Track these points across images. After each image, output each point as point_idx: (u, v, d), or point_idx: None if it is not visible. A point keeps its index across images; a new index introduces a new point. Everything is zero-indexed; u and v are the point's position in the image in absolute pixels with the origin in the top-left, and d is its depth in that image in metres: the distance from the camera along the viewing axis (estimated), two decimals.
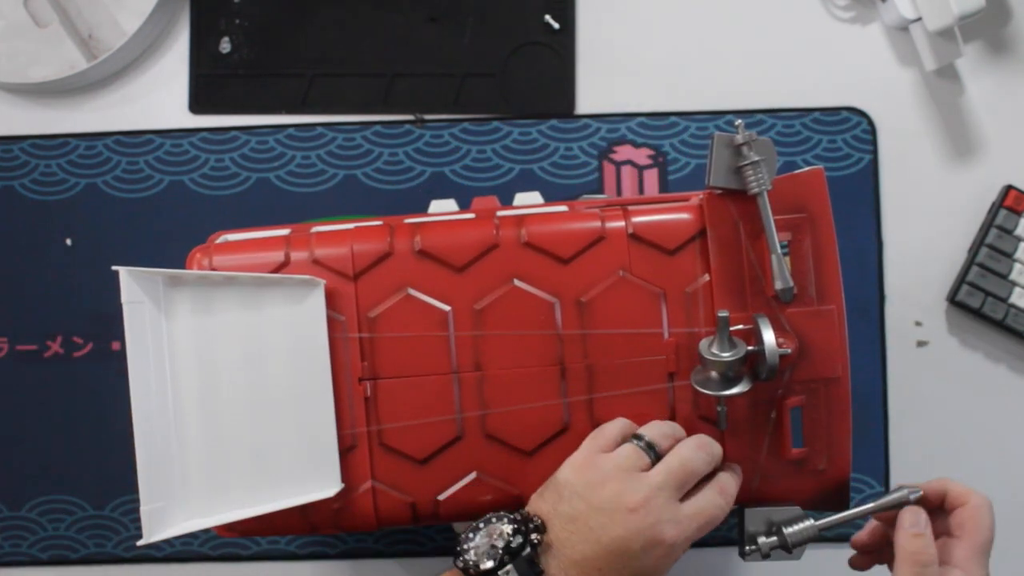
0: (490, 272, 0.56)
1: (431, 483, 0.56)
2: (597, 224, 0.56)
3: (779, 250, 0.53)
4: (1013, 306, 0.71)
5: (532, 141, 0.74)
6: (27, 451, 0.73)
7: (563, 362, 0.55)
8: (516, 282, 0.56)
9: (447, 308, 0.56)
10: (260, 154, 0.74)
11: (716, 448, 0.53)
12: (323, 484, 0.54)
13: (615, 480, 0.49)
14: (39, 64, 0.74)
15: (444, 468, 0.55)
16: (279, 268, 0.56)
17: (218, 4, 0.75)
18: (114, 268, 0.52)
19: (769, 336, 0.51)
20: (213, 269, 0.56)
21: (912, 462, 0.72)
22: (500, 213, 0.58)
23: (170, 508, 0.53)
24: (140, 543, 0.51)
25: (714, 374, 0.53)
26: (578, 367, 0.55)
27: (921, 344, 0.73)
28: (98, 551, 0.72)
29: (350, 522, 0.56)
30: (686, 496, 0.51)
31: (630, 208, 0.57)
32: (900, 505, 0.54)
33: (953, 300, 0.71)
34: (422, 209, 0.64)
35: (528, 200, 0.63)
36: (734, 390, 0.52)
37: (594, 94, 0.75)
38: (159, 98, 0.76)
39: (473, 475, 0.55)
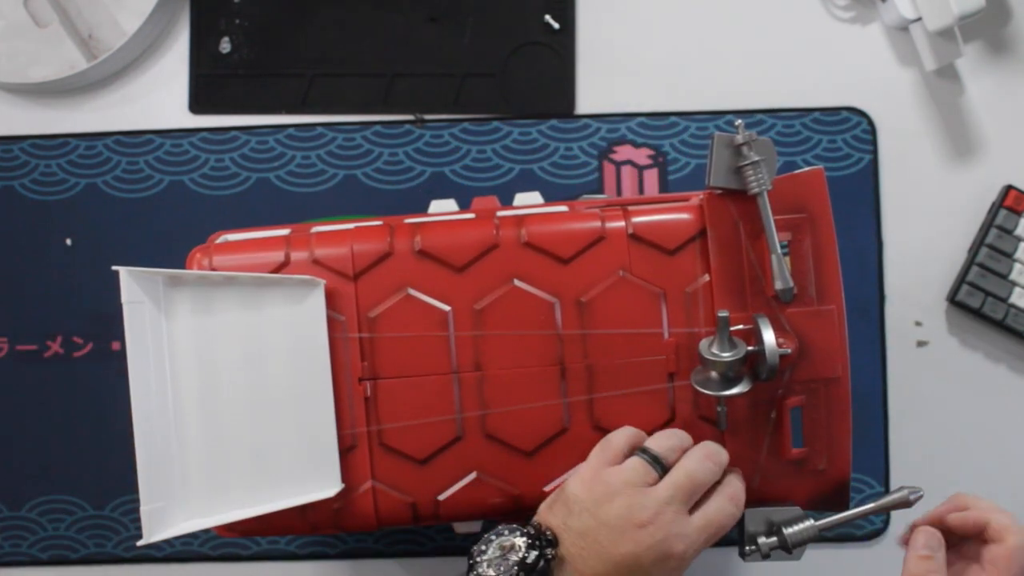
0: (490, 272, 0.56)
1: (431, 483, 0.56)
2: (597, 224, 0.56)
3: (779, 250, 0.53)
4: (1013, 306, 0.71)
5: (532, 141, 0.74)
6: (27, 451, 0.73)
7: (563, 362, 0.55)
8: (516, 282, 0.56)
9: (447, 308, 0.56)
10: (260, 154, 0.74)
11: (723, 456, 0.53)
12: (323, 484, 0.54)
13: (623, 496, 0.49)
14: (39, 64, 0.74)
15: (444, 468, 0.55)
16: (279, 268, 0.56)
17: (218, 4, 0.75)
18: (114, 268, 0.52)
19: (769, 336, 0.51)
20: (213, 269, 0.56)
21: (912, 462, 0.72)
22: (500, 213, 0.58)
23: (170, 508, 0.53)
24: (140, 543, 0.51)
25: (714, 374, 0.53)
26: (578, 367, 0.55)
27: (921, 344, 0.73)
28: (98, 551, 0.72)
29: (350, 522, 0.56)
30: (695, 505, 0.51)
31: (630, 208, 0.57)
32: (900, 505, 0.54)
33: (953, 300, 0.71)
34: (422, 209, 0.64)
35: (528, 200, 0.63)
36: (734, 390, 0.52)
37: (594, 94, 0.75)
38: (159, 98, 0.76)
39: (473, 475, 0.55)
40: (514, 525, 0.51)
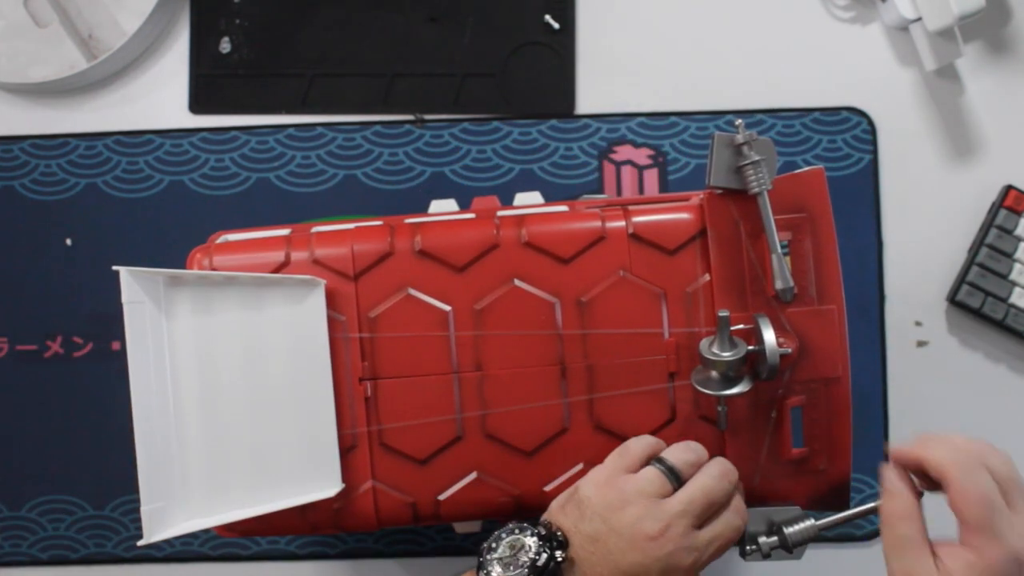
0: (490, 272, 0.56)
1: (431, 483, 0.56)
2: (597, 224, 0.56)
3: (779, 250, 0.53)
4: (1013, 306, 0.71)
5: (532, 141, 0.74)
6: (27, 451, 0.73)
7: (563, 362, 0.55)
8: (516, 282, 0.56)
9: (447, 308, 0.56)
10: (260, 154, 0.74)
11: (735, 475, 0.53)
12: (323, 484, 0.54)
13: (636, 505, 0.49)
14: (39, 64, 0.74)
15: (444, 468, 0.55)
16: (279, 268, 0.56)
17: (218, 4, 0.75)
18: (114, 268, 0.52)
19: (769, 336, 0.51)
20: (213, 269, 0.56)
21: None
22: (500, 213, 0.58)
23: (170, 508, 0.53)
24: (140, 543, 0.51)
25: (714, 374, 0.53)
26: (578, 367, 0.55)
27: (921, 344, 0.73)
28: (98, 551, 0.72)
29: (350, 522, 0.56)
30: (704, 520, 0.51)
31: (630, 208, 0.57)
32: None
33: (953, 300, 0.71)
34: (422, 209, 0.64)
35: (528, 200, 0.63)
36: (734, 390, 0.52)
37: (594, 94, 0.75)
38: (159, 98, 0.76)
39: (473, 475, 0.55)
40: (525, 524, 0.51)
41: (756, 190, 0.53)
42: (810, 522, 0.54)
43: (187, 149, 0.74)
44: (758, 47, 0.75)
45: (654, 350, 0.55)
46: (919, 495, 0.48)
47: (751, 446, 0.55)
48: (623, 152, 0.74)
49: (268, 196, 0.74)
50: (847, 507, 0.56)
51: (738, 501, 0.53)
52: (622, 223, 0.56)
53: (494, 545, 0.50)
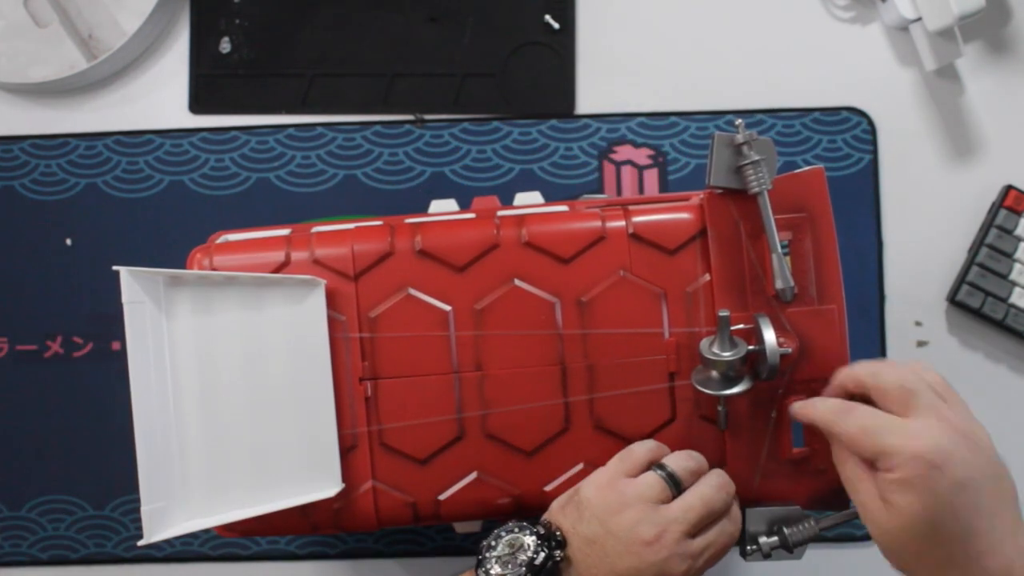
0: (490, 272, 0.56)
1: (432, 483, 0.56)
2: (597, 224, 0.56)
3: (779, 249, 0.53)
4: (1013, 306, 0.71)
5: (532, 141, 0.74)
6: (27, 451, 0.73)
7: (564, 362, 0.55)
8: (516, 282, 0.56)
9: (448, 308, 0.56)
10: (260, 154, 0.74)
11: (733, 488, 0.53)
12: (323, 484, 0.54)
13: (634, 510, 0.50)
14: (39, 64, 0.74)
15: (445, 468, 0.55)
16: (279, 268, 0.56)
17: (218, 4, 0.75)
18: (114, 268, 0.52)
19: (770, 336, 0.51)
20: (213, 269, 0.56)
21: None
22: (500, 213, 0.58)
23: (170, 508, 0.53)
24: (140, 543, 0.51)
25: (715, 374, 0.53)
26: (579, 367, 0.55)
27: (921, 344, 0.73)
28: (98, 551, 0.72)
29: (350, 522, 0.56)
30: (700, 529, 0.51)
31: (630, 208, 0.57)
32: None
33: (953, 300, 0.71)
34: (422, 209, 0.64)
35: (528, 200, 0.63)
36: (735, 390, 0.52)
37: (594, 94, 0.75)
38: (159, 98, 0.76)
39: (474, 475, 0.55)
40: (524, 523, 0.51)
41: (756, 190, 0.53)
42: (810, 522, 0.54)
43: (187, 149, 0.74)
44: (758, 47, 0.75)
45: (654, 350, 0.55)
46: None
47: (751, 446, 0.55)
48: (623, 152, 0.74)
49: (268, 196, 0.74)
50: (847, 507, 0.56)
51: (735, 511, 0.53)
52: (622, 223, 0.56)
53: (493, 543, 0.50)
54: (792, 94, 0.74)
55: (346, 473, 0.55)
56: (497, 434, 0.55)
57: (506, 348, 0.55)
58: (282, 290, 0.55)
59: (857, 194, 0.73)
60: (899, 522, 0.45)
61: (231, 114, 0.75)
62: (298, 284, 0.54)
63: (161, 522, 0.53)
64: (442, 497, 0.55)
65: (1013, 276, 0.71)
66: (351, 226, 0.58)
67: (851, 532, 0.72)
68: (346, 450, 0.55)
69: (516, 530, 0.50)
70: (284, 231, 0.58)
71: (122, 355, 0.53)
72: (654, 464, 0.53)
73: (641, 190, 0.74)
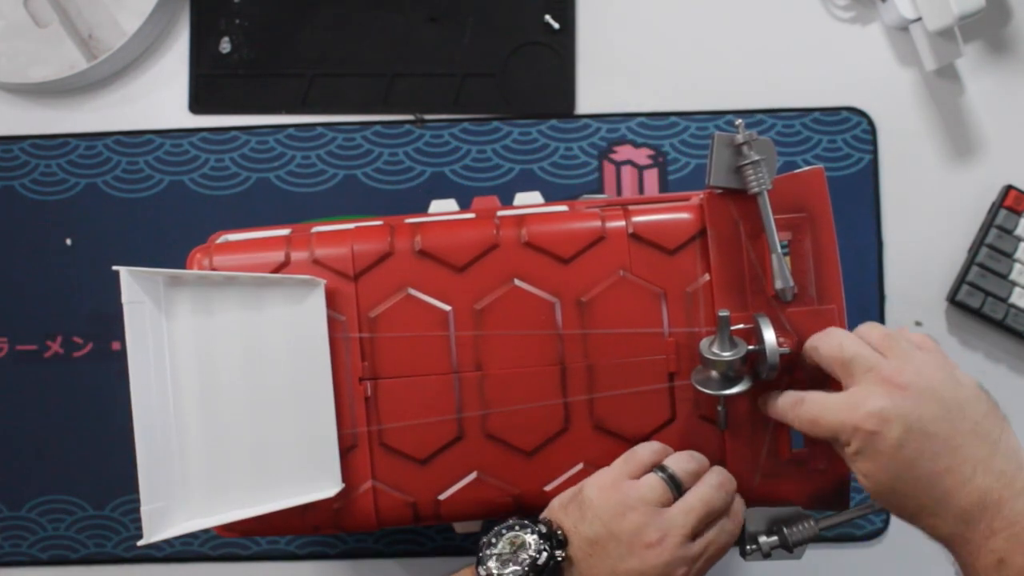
0: (490, 272, 0.56)
1: (432, 483, 0.56)
2: (597, 224, 0.56)
3: (779, 249, 0.53)
4: (1013, 306, 0.71)
5: (532, 141, 0.74)
6: (27, 451, 0.73)
7: (563, 362, 0.55)
8: (516, 282, 0.56)
9: (447, 308, 0.56)
10: (260, 154, 0.74)
11: (734, 484, 0.53)
12: (323, 484, 0.54)
13: (637, 512, 0.50)
14: (39, 64, 0.74)
15: (445, 468, 0.55)
16: (279, 268, 0.56)
17: (218, 4, 0.75)
18: (114, 268, 0.52)
19: (770, 335, 0.51)
20: (213, 269, 0.56)
21: None
22: (500, 213, 0.58)
23: (170, 508, 0.53)
24: (140, 543, 0.51)
25: (714, 374, 0.53)
26: (578, 367, 0.55)
27: None
28: (98, 551, 0.72)
29: (350, 522, 0.56)
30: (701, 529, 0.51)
31: (630, 208, 0.57)
32: None
33: (953, 300, 0.71)
34: (422, 209, 0.64)
35: (528, 200, 0.63)
36: (735, 389, 0.52)
37: (594, 94, 0.75)
38: (159, 98, 0.76)
39: (474, 475, 0.55)
40: (525, 521, 0.51)
41: (756, 190, 0.53)
42: (810, 522, 0.54)
43: (187, 149, 0.74)
44: (758, 47, 0.75)
45: (654, 350, 0.55)
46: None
47: (751, 446, 0.55)
48: (623, 152, 0.74)
49: (268, 196, 0.74)
50: (847, 507, 0.56)
51: (735, 508, 0.53)
52: (622, 223, 0.56)
53: (494, 540, 0.50)
54: (792, 94, 0.74)
55: (346, 473, 0.55)
56: (497, 434, 0.55)
57: (506, 348, 0.55)
58: (282, 290, 0.55)
59: (857, 194, 0.73)
60: (871, 486, 0.48)
61: (231, 114, 0.75)
62: (298, 284, 0.54)
63: (161, 522, 0.53)
64: (442, 497, 0.55)
65: (1013, 276, 0.71)
66: (351, 226, 0.58)
67: (851, 532, 0.72)
68: (346, 450, 0.55)
69: (517, 528, 0.50)
70: (284, 231, 0.58)
71: (122, 355, 0.53)
72: (657, 466, 0.53)
73: (641, 190, 0.74)
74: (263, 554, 0.72)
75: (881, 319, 0.72)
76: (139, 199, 0.74)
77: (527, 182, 0.73)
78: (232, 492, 0.54)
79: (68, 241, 0.74)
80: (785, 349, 0.53)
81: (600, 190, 0.74)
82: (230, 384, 0.54)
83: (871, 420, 0.46)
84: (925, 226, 0.73)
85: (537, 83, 0.74)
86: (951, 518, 0.46)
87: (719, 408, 0.54)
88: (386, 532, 0.72)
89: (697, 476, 0.53)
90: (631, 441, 0.55)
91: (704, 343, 0.53)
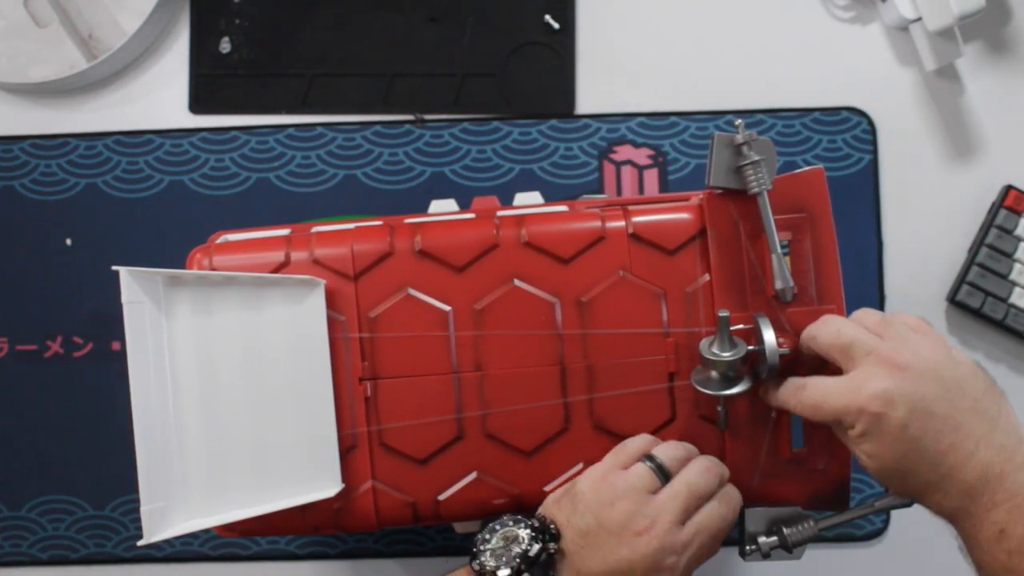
0: (490, 272, 0.56)
1: (431, 483, 0.56)
2: (597, 224, 0.56)
3: (779, 250, 0.53)
4: (1013, 306, 0.71)
5: (532, 141, 0.74)
6: (27, 451, 0.73)
7: (563, 362, 0.55)
8: (516, 282, 0.56)
9: (447, 308, 0.56)
10: (260, 154, 0.74)
11: (724, 469, 0.53)
12: (323, 484, 0.54)
13: (625, 501, 0.50)
14: (39, 64, 0.74)
15: (444, 468, 0.55)
16: (279, 268, 0.56)
17: (218, 4, 0.75)
18: (114, 268, 0.52)
19: (769, 336, 0.51)
20: (213, 269, 0.56)
21: None
22: (500, 213, 0.58)
23: (170, 508, 0.53)
24: (140, 543, 0.51)
25: (714, 374, 0.53)
26: (578, 367, 0.55)
27: None
28: (98, 551, 0.72)
29: (350, 522, 0.56)
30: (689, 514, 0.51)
31: (630, 208, 0.57)
32: (900, 505, 0.54)
33: (953, 300, 0.71)
34: (422, 209, 0.64)
35: (528, 200, 0.63)
36: (734, 390, 0.52)
37: (594, 94, 0.75)
38: (159, 98, 0.76)
39: (473, 475, 0.55)
40: (519, 516, 0.51)
41: (756, 190, 0.53)
42: (810, 522, 0.54)
43: (187, 149, 0.74)
44: (758, 47, 0.75)
45: (654, 350, 0.55)
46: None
47: (751, 446, 0.55)
48: (623, 152, 0.74)
49: (268, 196, 0.74)
50: (847, 507, 0.56)
51: (728, 493, 0.53)
52: (622, 223, 0.56)
53: (487, 536, 0.50)
54: (792, 94, 0.74)
55: (346, 473, 0.55)
56: (497, 434, 0.55)
57: (506, 348, 0.55)
58: (282, 290, 0.55)
59: (857, 194, 0.73)
60: (876, 466, 0.48)
61: (231, 114, 0.75)
62: (298, 284, 0.54)
63: (161, 522, 0.53)
64: (442, 497, 0.55)
65: (1013, 276, 0.71)
66: (351, 226, 0.58)
67: (851, 532, 0.72)
68: (346, 450, 0.55)
69: (511, 523, 0.50)
70: (284, 231, 0.58)
71: (122, 355, 0.53)
72: (646, 456, 0.53)
73: (641, 190, 0.74)
74: (263, 554, 0.72)
75: None
76: (139, 199, 0.74)
77: (527, 182, 0.73)
78: (232, 492, 0.54)
79: (68, 241, 0.74)
80: (785, 349, 0.53)
81: (600, 190, 0.74)
82: (230, 384, 0.54)
83: (876, 401, 0.47)
84: (925, 226, 0.73)
85: (537, 83, 0.74)
86: (956, 493, 0.47)
87: (719, 408, 0.54)
88: (386, 532, 0.72)
89: (685, 463, 0.53)
90: None
91: (704, 343, 0.53)
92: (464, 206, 0.62)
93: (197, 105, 0.75)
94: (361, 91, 0.75)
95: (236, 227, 0.60)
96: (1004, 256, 0.71)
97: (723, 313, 0.51)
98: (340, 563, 0.73)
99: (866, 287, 0.72)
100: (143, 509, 0.52)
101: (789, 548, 0.54)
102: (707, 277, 0.55)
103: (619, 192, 0.74)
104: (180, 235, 0.73)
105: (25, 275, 0.74)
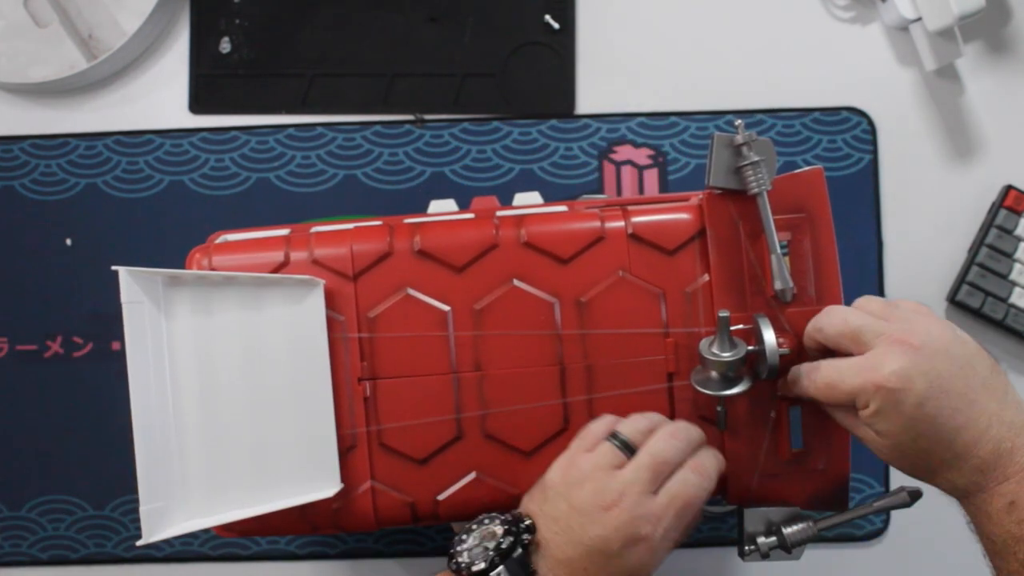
0: (490, 272, 0.56)
1: (431, 483, 0.56)
2: (597, 224, 0.56)
3: (779, 250, 0.53)
4: (1013, 306, 0.71)
5: (532, 141, 0.74)
6: (27, 451, 0.73)
7: (563, 362, 0.55)
8: (516, 282, 0.56)
9: (447, 308, 0.56)
10: (260, 154, 0.74)
11: (693, 432, 0.53)
12: (323, 484, 0.54)
13: (591, 479, 0.50)
14: (39, 64, 0.74)
15: (444, 468, 0.55)
16: (279, 268, 0.56)
17: (218, 4, 0.75)
18: (114, 268, 0.52)
19: (769, 336, 0.51)
20: (213, 269, 0.56)
21: None
22: (500, 213, 0.58)
23: (170, 508, 0.53)
24: (140, 543, 0.51)
25: (714, 374, 0.52)
26: (578, 367, 0.55)
27: None
28: (98, 551, 0.72)
29: (350, 522, 0.56)
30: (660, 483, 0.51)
31: (630, 208, 0.57)
32: (900, 505, 0.54)
33: (953, 300, 0.71)
34: (422, 209, 0.64)
35: (528, 200, 0.63)
36: (734, 390, 0.52)
37: (594, 94, 0.75)
38: (159, 98, 0.76)
39: (473, 475, 0.55)
40: (494, 513, 0.51)
41: (756, 190, 0.53)
42: (809, 522, 0.54)
43: (187, 149, 0.74)
44: (758, 47, 0.75)
45: (653, 350, 0.55)
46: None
47: (750, 446, 0.55)
48: (623, 152, 0.74)
49: (268, 196, 0.74)
50: (846, 507, 0.56)
51: (698, 460, 0.52)
52: (621, 223, 0.56)
53: (464, 537, 0.50)
54: (792, 94, 0.74)
55: (345, 473, 0.55)
56: (496, 434, 0.55)
57: (505, 348, 0.55)
58: (281, 290, 0.55)
59: (857, 194, 0.73)
60: (890, 444, 0.48)
61: (231, 114, 0.75)
62: (297, 284, 0.54)
63: (160, 522, 0.53)
64: (441, 497, 0.55)
65: (1013, 276, 0.71)
66: (350, 226, 0.58)
67: (851, 532, 0.72)
68: (345, 450, 0.55)
69: (487, 521, 0.51)
70: (283, 231, 0.58)
71: (122, 355, 0.53)
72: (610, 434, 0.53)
73: (641, 190, 0.74)
74: (263, 554, 0.72)
75: None
76: (139, 199, 0.74)
77: (527, 182, 0.73)
78: (231, 492, 0.54)
79: (68, 241, 0.74)
80: (785, 350, 0.53)
81: (600, 190, 0.74)
82: (229, 384, 0.54)
83: (894, 378, 0.47)
84: (925, 226, 0.73)
85: (537, 83, 0.74)
86: (968, 470, 0.47)
87: (718, 408, 0.54)
88: (386, 532, 0.72)
89: (650, 434, 0.52)
90: None
91: (704, 343, 0.53)
92: (464, 206, 0.62)
93: (197, 105, 0.75)
94: (361, 91, 0.75)
95: (236, 227, 0.60)
96: (1004, 256, 0.71)
97: (723, 313, 0.51)
98: (340, 563, 0.73)
99: (866, 287, 0.72)
100: (142, 509, 0.52)
101: (788, 548, 0.54)
102: (707, 277, 0.55)
103: (619, 192, 0.74)
104: (180, 235, 0.73)
105: (25, 275, 0.74)
